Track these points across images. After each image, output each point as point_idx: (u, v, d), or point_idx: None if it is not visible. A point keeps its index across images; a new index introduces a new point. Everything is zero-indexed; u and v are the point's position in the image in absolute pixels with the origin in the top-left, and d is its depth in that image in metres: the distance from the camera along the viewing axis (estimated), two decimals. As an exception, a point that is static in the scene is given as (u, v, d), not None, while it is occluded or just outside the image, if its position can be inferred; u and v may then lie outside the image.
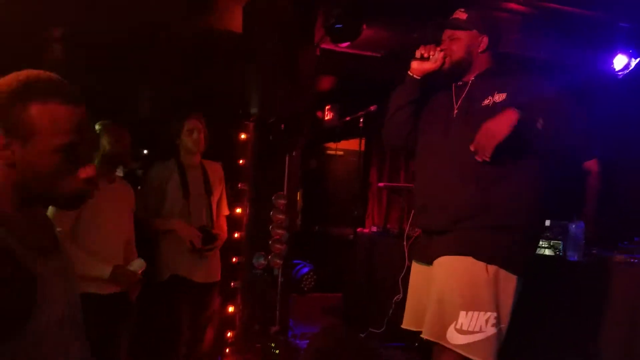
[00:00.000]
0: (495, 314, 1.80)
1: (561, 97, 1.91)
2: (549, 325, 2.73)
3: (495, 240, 1.85)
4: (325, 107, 5.37)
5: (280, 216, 3.30)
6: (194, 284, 2.89)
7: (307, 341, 3.31)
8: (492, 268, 1.82)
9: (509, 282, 1.86)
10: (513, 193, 1.88)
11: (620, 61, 3.77)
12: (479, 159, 1.81)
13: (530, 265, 1.93)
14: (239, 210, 3.29)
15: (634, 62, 3.68)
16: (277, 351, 3.07)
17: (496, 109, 1.89)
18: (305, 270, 4.03)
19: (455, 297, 1.82)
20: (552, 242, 2.83)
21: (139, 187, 3.03)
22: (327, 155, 6.24)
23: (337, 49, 3.45)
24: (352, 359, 2.63)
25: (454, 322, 1.80)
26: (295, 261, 3.95)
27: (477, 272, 1.82)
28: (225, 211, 3.13)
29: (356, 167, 4.70)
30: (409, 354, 2.90)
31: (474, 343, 1.77)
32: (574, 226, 2.74)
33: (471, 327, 1.78)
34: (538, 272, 2.81)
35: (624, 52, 3.74)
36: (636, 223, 3.67)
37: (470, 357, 1.79)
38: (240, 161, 3.37)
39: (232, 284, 3.24)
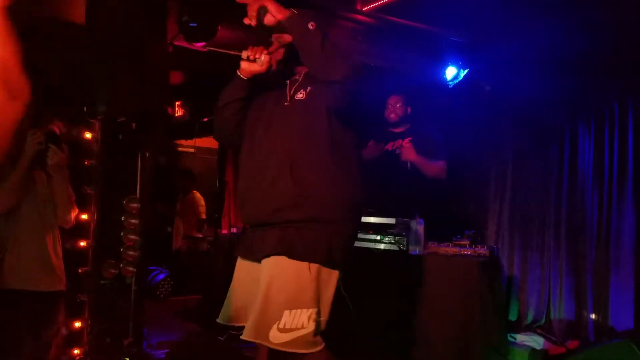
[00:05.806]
0: (316, 310, 1.87)
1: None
2: (393, 314, 2.99)
3: (316, 238, 1.89)
4: (175, 103, 5.17)
5: (133, 221, 3.12)
6: (35, 294, 2.58)
7: (164, 350, 3.20)
8: (314, 267, 1.88)
9: (331, 277, 1.93)
10: (328, 185, 1.92)
11: (450, 72, 4.20)
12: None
13: (350, 257, 2.00)
14: (84, 217, 3.03)
15: (462, 74, 4.14)
16: (131, 364, 2.92)
17: (301, 103, 1.98)
18: (161, 276, 3.84)
19: (281, 297, 1.86)
20: (396, 238, 3.09)
21: None
22: (177, 152, 6.02)
23: (191, 47, 3.35)
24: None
25: (277, 322, 1.83)
26: (150, 267, 3.76)
27: (300, 272, 1.87)
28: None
29: (211, 166, 4.60)
30: (271, 351, 2.96)
31: (296, 339, 1.83)
32: (415, 223, 3.03)
33: (294, 324, 1.83)
34: (384, 265, 3.07)
35: (454, 63, 4.17)
36: (466, 218, 4.16)
37: (292, 351, 1.85)
38: (86, 162, 3.11)
39: (78, 296, 2.98)
